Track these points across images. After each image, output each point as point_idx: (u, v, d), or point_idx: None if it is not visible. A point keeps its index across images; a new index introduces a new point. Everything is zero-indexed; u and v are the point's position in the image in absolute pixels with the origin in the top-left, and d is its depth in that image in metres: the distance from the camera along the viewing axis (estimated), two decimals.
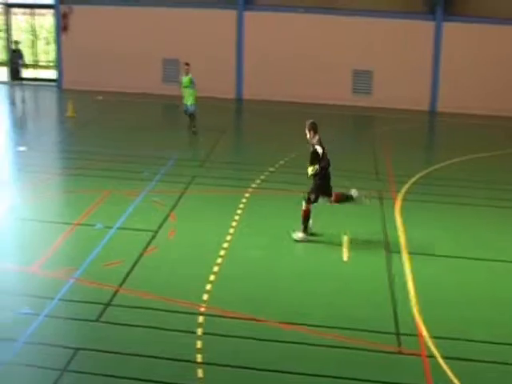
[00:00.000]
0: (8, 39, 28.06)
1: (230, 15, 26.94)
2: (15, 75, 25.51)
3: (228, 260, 13.18)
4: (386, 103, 27.02)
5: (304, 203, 13.96)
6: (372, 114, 26.83)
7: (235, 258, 13.33)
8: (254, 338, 10.57)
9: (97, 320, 11.06)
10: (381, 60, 26.99)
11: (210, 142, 21.33)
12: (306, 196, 13.96)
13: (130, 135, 21.54)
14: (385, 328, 10.92)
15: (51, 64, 28.65)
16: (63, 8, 27.44)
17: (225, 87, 27.29)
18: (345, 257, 13.53)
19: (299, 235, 14.12)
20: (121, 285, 12.14)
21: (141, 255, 13.28)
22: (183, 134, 22.23)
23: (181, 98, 22.00)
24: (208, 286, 12.08)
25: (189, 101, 21.62)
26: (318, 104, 26.66)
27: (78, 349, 10.29)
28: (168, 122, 22.38)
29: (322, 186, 13.88)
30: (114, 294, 11.83)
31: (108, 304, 11.53)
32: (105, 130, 21.70)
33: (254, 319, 11.07)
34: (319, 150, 13.68)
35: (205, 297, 11.72)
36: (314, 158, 13.73)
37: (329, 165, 13.78)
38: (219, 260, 13.13)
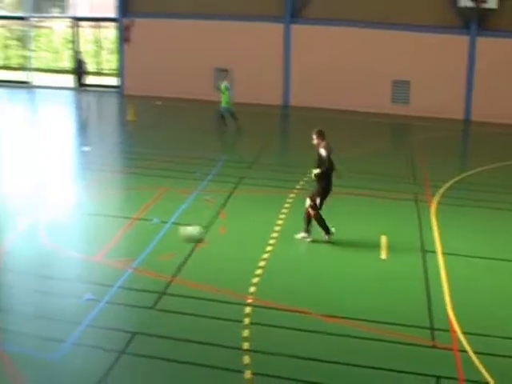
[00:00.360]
0: (75, 49, 28.39)
1: (277, 28, 26.89)
2: (80, 82, 25.84)
3: (273, 256, 13.15)
4: (422, 112, 26.73)
5: (310, 208, 13.75)
6: (409, 122, 26.56)
7: (280, 254, 13.29)
8: (298, 329, 10.55)
9: (152, 307, 11.14)
10: (418, 71, 26.71)
11: (258, 145, 21.32)
12: (311, 200, 13.76)
13: (185, 138, 21.65)
14: (420, 323, 10.79)
15: (114, 72, 28.89)
16: (125, 21, 27.68)
17: (272, 94, 27.26)
18: (383, 256, 13.39)
19: (302, 234, 14.00)
20: (175, 275, 12.20)
21: (193, 249, 13.31)
22: (232, 138, 22.29)
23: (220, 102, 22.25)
24: (255, 280, 12.07)
25: (223, 103, 21.78)
26: (359, 112, 26.48)
27: (136, 333, 10.39)
28: (218, 126, 22.40)
29: (325, 189, 13.70)
30: (169, 284, 11.89)
31: (163, 293, 11.60)
32: (162, 133, 21.83)
33: (298, 311, 11.03)
34: (323, 153, 13.53)
35: (251, 289, 11.71)
36: (320, 161, 13.60)
37: (332, 168, 13.62)
38: (265, 255, 13.11)
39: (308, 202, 13.81)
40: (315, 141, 13.79)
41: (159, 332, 10.40)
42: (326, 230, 13.94)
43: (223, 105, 22.20)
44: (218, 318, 10.78)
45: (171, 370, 9.58)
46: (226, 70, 22.33)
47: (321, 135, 13.77)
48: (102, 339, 10.30)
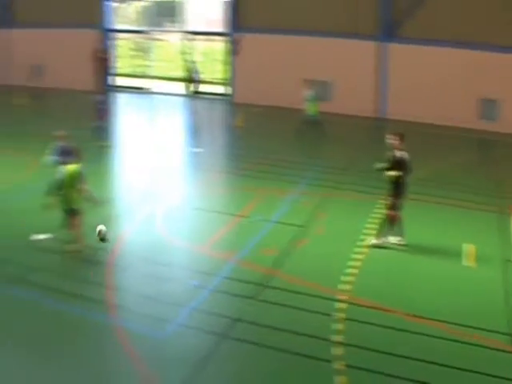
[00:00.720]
0: (189, 60, 28.96)
1: (372, 45, 26.56)
2: (193, 90, 26.37)
3: (366, 257, 12.95)
4: (510, 129, 25.72)
5: (390, 211, 13.30)
6: (496, 138, 25.58)
7: (372, 255, 13.07)
8: (384, 326, 10.37)
9: (253, 297, 11.21)
10: (506, 90, 25.72)
11: (352, 153, 21.03)
12: (389, 203, 13.31)
13: (284, 143, 21.61)
14: (500, 329, 10.38)
15: (223, 81, 29.30)
16: (236, 35, 28.07)
17: (367, 107, 26.91)
18: (466, 262, 12.96)
19: (375, 241, 13.56)
20: (275, 269, 12.22)
21: (293, 246, 13.29)
22: (327, 144, 22.10)
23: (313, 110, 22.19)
24: (347, 278, 11.92)
25: (309, 111, 21.76)
26: (448, 126, 25.73)
27: (237, 320, 10.47)
28: (318, 133, 22.28)
29: (401, 191, 13.21)
30: (269, 277, 11.93)
31: (262, 285, 11.64)
32: (265, 138, 21.92)
33: (384, 309, 10.85)
34: (404, 156, 12.99)
35: (344, 286, 11.59)
36: (398, 163, 13.03)
37: (410, 172, 13.10)
38: (359, 256, 12.93)
39: (387, 205, 13.44)
40: (394, 142, 13.21)
41: (259, 320, 10.47)
42: (389, 233, 13.50)
43: (309, 113, 22.05)
44: (311, 311, 10.76)
45: (268, 355, 9.61)
46: (310, 81, 22.16)
47: (402, 138, 13.24)
48: (206, 323, 10.46)
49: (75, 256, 12.74)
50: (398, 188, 13.16)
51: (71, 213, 12.52)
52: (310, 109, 21.87)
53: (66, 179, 12.37)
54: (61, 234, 13.15)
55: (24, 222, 14.19)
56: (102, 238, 12.94)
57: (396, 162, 13.07)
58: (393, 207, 13.27)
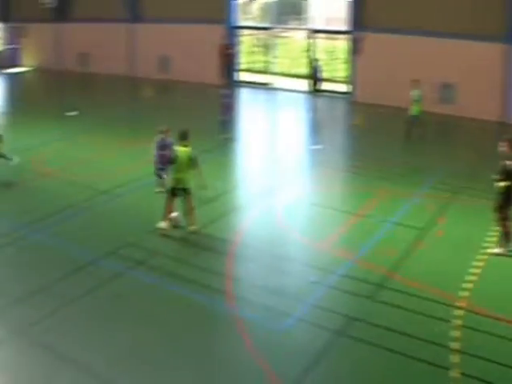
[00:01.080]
0: (311, 58, 28.99)
1: (499, 47, 25.51)
2: (314, 87, 26.36)
3: (486, 264, 12.50)
4: None
5: (501, 221, 12.75)
6: None
7: (492, 263, 12.60)
8: (504, 337, 10.02)
9: (370, 297, 11.16)
10: None
11: (474, 158, 20.26)
12: (500, 213, 12.73)
13: (404, 145, 21.18)
14: None
15: (344, 79, 29.14)
16: (357, 34, 27.83)
17: (492, 111, 25.89)
18: None
19: (498, 250, 12.93)
20: (393, 271, 12.08)
21: (411, 248, 13.08)
22: (450, 148, 21.47)
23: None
24: (466, 285, 11.58)
25: (413, 111, 21.27)
26: None
27: (354, 319, 10.46)
28: (439, 137, 21.77)
29: (509, 200, 12.57)
30: (387, 278, 11.82)
31: (381, 285, 11.56)
32: (384, 139, 21.60)
33: (505, 320, 10.46)
34: None
35: (462, 293, 11.27)
36: (508, 174, 12.40)
37: None
38: (479, 263, 12.52)
39: (497, 215, 12.88)
40: (505, 149, 12.64)
41: (375, 321, 10.41)
42: (507, 243, 12.83)
43: (413, 113, 21.41)
44: (429, 316, 10.55)
45: (383, 357, 9.57)
46: (417, 80, 21.56)
47: (511, 145, 12.58)
48: (323, 319, 10.53)
49: (197, 244, 13.18)
50: (507, 199, 12.67)
51: (183, 193, 13.40)
52: (414, 109, 21.36)
53: (181, 160, 13.21)
54: (184, 222, 13.69)
55: (151, 209, 14.80)
56: (175, 226, 13.77)
57: (505, 171, 12.56)
58: (503, 218, 12.79)
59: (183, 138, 13.51)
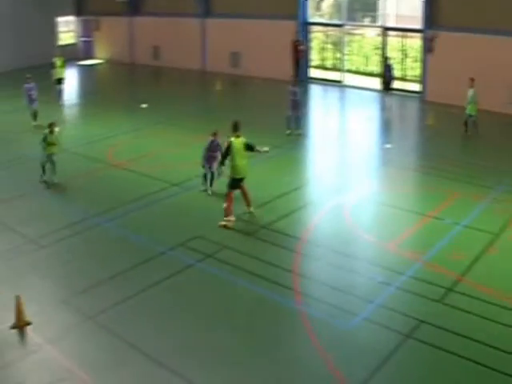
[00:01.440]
0: (383, 56, 28.70)
1: None
2: (386, 86, 26.10)
3: None
4: None
5: None
6: None
7: None
8: None
9: (439, 301, 11.03)
10: None
11: None
12: None
13: (476, 146, 20.72)
14: None
15: (416, 78, 28.73)
16: (430, 33, 27.37)
17: None
18: None
19: None
20: (462, 275, 11.88)
21: (482, 252, 12.83)
22: None
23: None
24: None
25: (469, 110, 21.02)
26: None
27: (422, 321, 10.38)
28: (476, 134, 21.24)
29: None
30: (456, 282, 11.65)
31: (450, 289, 11.41)
32: (457, 139, 21.19)
33: None
34: None
35: None
36: None
37: None
38: None
39: None
40: None
41: (444, 325, 10.28)
42: None
43: (468, 112, 20.97)
44: (501, 323, 10.34)
45: (451, 362, 9.44)
46: (473, 79, 21.10)
47: None
48: (390, 320, 10.47)
49: (265, 239, 13.31)
50: None
51: (239, 182, 14.05)
52: (471, 109, 20.93)
53: (237, 150, 13.81)
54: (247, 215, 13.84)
55: (220, 203, 14.99)
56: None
57: None
58: None
59: (236, 129, 14.09)
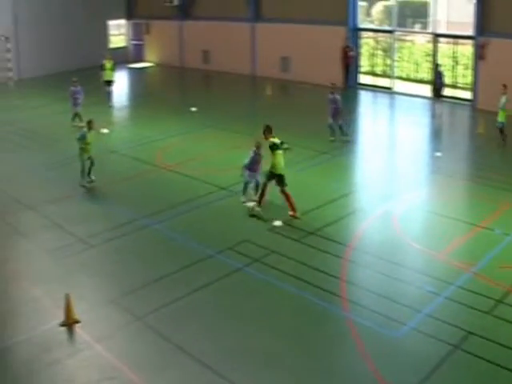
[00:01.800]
0: (434, 63, 28.42)
1: None
2: (436, 93, 25.81)
3: None
4: None
5: None
6: None
7: None
8: None
9: (488, 312, 10.87)
10: None
11: None
12: None
13: None
14: None
15: (468, 86, 28.36)
16: (481, 39, 27.00)
17: None
18: None
19: None
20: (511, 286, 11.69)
21: None
22: None
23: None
24: None
25: (500, 118, 20.64)
26: None
27: (470, 333, 10.24)
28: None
29: None
30: (506, 294, 11.46)
31: (499, 301, 11.23)
32: (508, 148, 20.79)
33: None
34: None
35: None
36: None
37: None
38: None
39: None
40: None
41: (492, 337, 10.13)
42: None
43: (500, 119, 20.57)
44: None
45: (500, 376, 9.30)
46: (505, 86, 20.74)
47: None
48: (438, 331, 10.37)
49: (312, 244, 13.33)
50: None
51: (275, 176, 14.74)
52: (501, 115, 20.55)
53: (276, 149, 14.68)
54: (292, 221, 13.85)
55: (268, 207, 15.14)
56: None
57: None
58: None
59: (270, 131, 14.96)
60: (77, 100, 23.66)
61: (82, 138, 17.05)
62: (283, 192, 14.76)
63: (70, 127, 23.01)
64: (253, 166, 15.34)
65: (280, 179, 14.79)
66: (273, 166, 14.75)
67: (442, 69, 26.05)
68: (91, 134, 17.25)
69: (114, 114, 27.14)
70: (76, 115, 23.60)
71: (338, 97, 21.12)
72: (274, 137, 14.93)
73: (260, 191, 15.06)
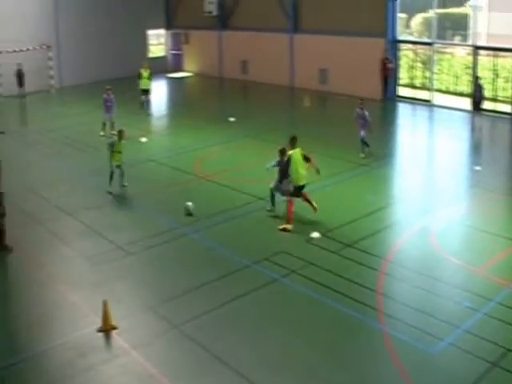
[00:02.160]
0: (474, 75, 28.19)
1: None
2: (476, 106, 25.55)
3: None
4: None
5: None
6: None
7: None
8: None
9: None
10: None
11: None
12: None
13: None
14: None
15: (508, 99, 28.06)
16: None
17: None
18: None
19: None
20: None
21: None
22: None
23: None
24: None
25: None
26: None
27: (509, 350, 10.13)
28: None
29: None
30: None
31: None
32: None
33: None
34: None
35: None
36: None
37: None
38: None
39: None
40: None
41: None
42: None
43: None
44: None
45: None
46: None
47: None
48: (476, 347, 10.26)
49: (349, 256, 13.31)
50: None
51: (300, 190, 15.09)
52: None
53: (296, 160, 14.93)
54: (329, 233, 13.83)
55: (305, 218, 15.20)
56: (188, 214, 15.81)
57: None
58: None
59: (293, 143, 15.25)
60: (109, 108, 24.08)
61: (111, 147, 17.42)
62: (302, 194, 15.35)
63: (108, 135, 23.39)
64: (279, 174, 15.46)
65: (299, 190, 15.19)
66: (297, 179, 15.03)
67: (481, 82, 25.81)
68: (121, 143, 17.56)
69: (153, 123, 27.48)
70: (105, 124, 24.04)
71: (366, 112, 20.95)
72: (295, 148, 15.17)
73: (287, 210, 15.03)
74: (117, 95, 24.84)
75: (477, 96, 25.60)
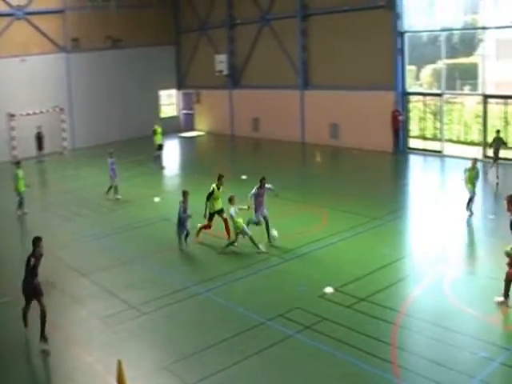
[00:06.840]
0: (483, 124, 28.55)
1: None
2: (495, 157, 25.40)
3: None
4: None
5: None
6: None
7: None
8: None
9: None
10: None
11: None
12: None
13: None
14: None
15: None
16: None
17: None
18: None
19: (498, 299, 13.37)
20: None
21: None
22: None
23: None
24: None
25: None
26: None
27: None
28: None
29: None
30: None
31: None
32: None
33: None
34: None
35: None
36: None
37: None
38: None
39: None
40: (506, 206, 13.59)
41: None
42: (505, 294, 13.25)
43: None
44: None
45: None
46: None
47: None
48: None
49: (363, 310, 13.41)
50: None
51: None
52: None
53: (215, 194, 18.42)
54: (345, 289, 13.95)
55: (319, 274, 15.36)
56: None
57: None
58: None
59: (219, 180, 19.10)
60: (114, 171, 24.76)
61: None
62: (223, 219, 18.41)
63: (126, 195, 23.84)
64: (257, 201, 17.31)
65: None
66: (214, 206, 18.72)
67: (502, 135, 25.91)
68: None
69: (166, 183, 27.95)
70: (111, 188, 24.71)
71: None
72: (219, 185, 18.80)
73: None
74: (129, 156, 25.40)
75: (496, 148, 25.59)
